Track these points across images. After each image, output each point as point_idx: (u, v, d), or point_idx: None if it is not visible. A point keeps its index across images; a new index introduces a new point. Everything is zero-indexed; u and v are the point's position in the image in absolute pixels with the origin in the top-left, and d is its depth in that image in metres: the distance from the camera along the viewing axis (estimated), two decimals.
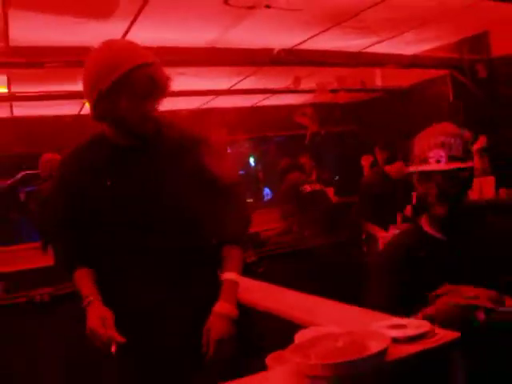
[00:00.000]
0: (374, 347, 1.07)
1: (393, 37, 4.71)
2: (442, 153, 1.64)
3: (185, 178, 1.65)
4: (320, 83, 5.24)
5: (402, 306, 1.55)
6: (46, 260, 4.10)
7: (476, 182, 4.50)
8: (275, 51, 4.11)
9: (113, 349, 1.50)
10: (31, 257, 4.73)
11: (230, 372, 1.61)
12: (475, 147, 4.71)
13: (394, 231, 3.59)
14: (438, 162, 1.64)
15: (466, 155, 1.67)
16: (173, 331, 1.61)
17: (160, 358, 1.63)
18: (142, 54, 1.58)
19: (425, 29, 4.67)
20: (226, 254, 1.73)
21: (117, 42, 1.68)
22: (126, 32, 3.63)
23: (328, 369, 1.01)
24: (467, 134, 1.76)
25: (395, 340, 1.15)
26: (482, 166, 4.73)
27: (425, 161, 1.66)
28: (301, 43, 4.42)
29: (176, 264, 1.64)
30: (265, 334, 1.77)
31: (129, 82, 1.52)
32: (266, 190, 8.08)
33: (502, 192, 4.46)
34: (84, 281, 1.69)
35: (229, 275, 1.69)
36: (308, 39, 4.38)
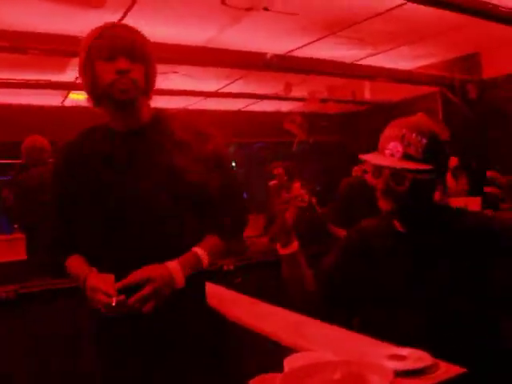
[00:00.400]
0: (375, 382, 0.98)
1: (387, 50, 4.70)
2: (400, 147, 1.48)
3: (180, 171, 1.56)
4: (311, 92, 5.17)
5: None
6: (13, 254, 3.95)
7: (461, 202, 4.47)
8: (268, 56, 4.02)
9: (113, 302, 1.41)
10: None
11: None
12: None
13: None
14: (392, 156, 1.49)
15: (426, 157, 1.48)
16: (146, 326, 1.53)
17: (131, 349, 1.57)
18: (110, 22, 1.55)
19: (418, 45, 4.67)
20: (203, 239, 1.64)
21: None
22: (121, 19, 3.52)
23: None
24: (444, 134, 1.62)
25: (395, 373, 1.06)
26: (458, 187, 4.71)
27: (381, 151, 1.52)
28: (294, 50, 4.37)
29: (153, 259, 1.53)
30: (245, 353, 1.67)
31: (98, 43, 1.50)
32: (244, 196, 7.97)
33: (489, 213, 4.42)
34: (76, 265, 1.62)
35: (196, 248, 1.58)
36: (302, 46, 4.33)
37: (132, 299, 1.43)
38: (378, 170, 1.53)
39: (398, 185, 1.49)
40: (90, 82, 1.54)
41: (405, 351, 1.17)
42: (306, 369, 1.06)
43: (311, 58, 4.35)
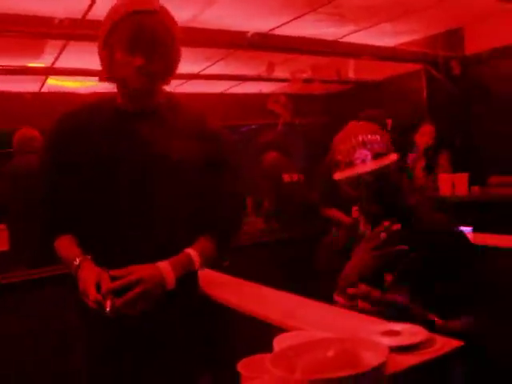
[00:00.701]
0: (370, 359, 0.93)
1: (368, 27, 4.62)
2: (367, 152, 1.58)
3: (184, 161, 1.52)
4: (293, 71, 5.09)
5: None
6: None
7: (448, 178, 4.45)
8: (249, 34, 3.93)
9: (107, 306, 1.35)
10: None
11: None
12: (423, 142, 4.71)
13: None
14: (364, 161, 1.58)
15: (388, 149, 1.62)
16: (136, 323, 1.47)
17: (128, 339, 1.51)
18: (142, 1, 1.45)
19: (400, 21, 4.60)
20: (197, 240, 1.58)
21: None
22: (92, 4, 3.40)
23: None
24: (386, 122, 1.71)
25: (390, 349, 1.01)
26: (441, 164, 4.72)
27: (351, 164, 1.60)
28: (275, 28, 4.27)
29: (156, 247, 1.51)
30: (237, 336, 1.63)
31: (119, 30, 1.43)
32: None
33: (475, 189, 4.42)
34: (68, 246, 1.55)
35: (188, 249, 1.53)
36: (282, 25, 4.23)
37: (121, 301, 1.36)
38: (356, 181, 1.60)
39: (383, 185, 1.59)
40: (107, 64, 1.50)
41: (399, 327, 1.14)
42: (296, 348, 1.01)
43: (293, 36, 4.26)
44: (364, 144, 1.59)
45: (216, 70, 5.44)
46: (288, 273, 3.62)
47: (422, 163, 4.76)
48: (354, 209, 3.71)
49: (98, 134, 1.53)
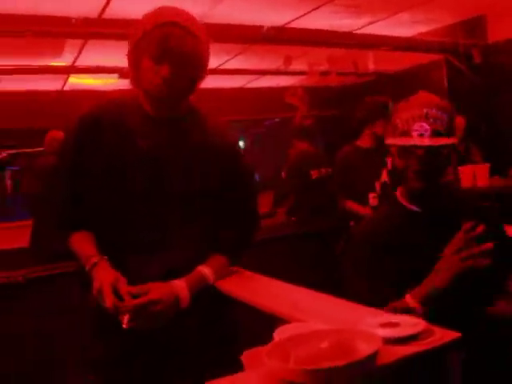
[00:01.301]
0: (363, 349, 0.94)
1: (385, 18, 4.56)
2: (427, 126, 1.51)
3: (200, 172, 1.56)
4: (311, 64, 5.07)
5: (385, 296, 1.47)
6: (21, 241, 4.00)
7: (469, 169, 4.38)
8: (265, 28, 3.93)
9: (124, 322, 1.37)
10: (7, 237, 4.62)
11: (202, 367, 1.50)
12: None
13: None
14: (421, 135, 1.51)
15: (450, 131, 1.55)
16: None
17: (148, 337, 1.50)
18: (172, 13, 1.46)
19: (418, 10, 4.53)
20: (210, 256, 1.61)
21: (165, 5, 1.55)
22: (107, 4, 3.44)
23: (307, 375, 0.87)
24: (451, 107, 1.65)
25: (387, 341, 1.02)
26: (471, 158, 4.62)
27: (407, 134, 1.54)
28: (291, 21, 4.26)
29: (178, 250, 1.54)
30: (244, 328, 1.64)
31: (148, 40, 1.44)
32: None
33: (496, 180, 4.34)
34: (84, 243, 1.56)
35: (202, 267, 1.56)
36: (299, 17, 4.21)
37: (137, 321, 1.38)
38: (408, 151, 1.55)
39: (432, 163, 1.53)
40: (133, 71, 1.51)
41: (398, 318, 1.14)
42: (293, 338, 1.02)
43: (310, 30, 4.24)
44: (427, 117, 1.52)
45: (235, 64, 5.46)
46: (304, 266, 3.63)
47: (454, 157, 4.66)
48: (372, 195, 3.70)
49: (118, 135, 1.54)
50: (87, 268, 1.49)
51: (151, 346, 1.52)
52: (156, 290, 1.43)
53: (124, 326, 1.37)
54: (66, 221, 1.64)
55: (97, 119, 1.56)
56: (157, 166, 1.54)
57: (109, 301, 1.37)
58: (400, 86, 5.92)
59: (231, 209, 1.62)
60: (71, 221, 1.62)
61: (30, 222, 4.05)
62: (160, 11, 1.48)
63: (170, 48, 1.43)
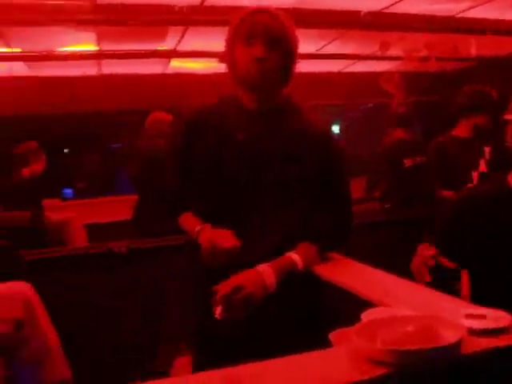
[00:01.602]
0: (448, 337, 0.99)
1: (488, 1, 4.33)
2: None
3: (298, 160, 1.65)
4: (407, 50, 4.95)
5: None
6: (126, 214, 4.29)
7: None
8: (362, 13, 3.91)
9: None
10: (114, 210, 4.97)
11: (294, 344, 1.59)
12: None
13: None
14: None
15: None
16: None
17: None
18: (264, 5, 1.65)
19: None
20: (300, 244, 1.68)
21: None
22: None
23: (394, 356, 0.94)
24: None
25: (471, 331, 1.07)
26: None
27: None
28: (390, 6, 4.18)
29: (271, 241, 1.64)
30: (338, 310, 1.71)
31: (242, 26, 1.61)
32: None
33: None
34: (190, 219, 1.75)
35: (291, 253, 1.63)
36: (396, 2, 4.12)
37: (228, 311, 1.45)
38: None
39: None
40: (230, 66, 1.65)
41: (484, 311, 1.17)
42: (380, 321, 1.09)
43: (408, 14, 4.16)
44: None
45: (332, 49, 5.45)
46: (395, 254, 3.61)
47: None
48: (475, 174, 3.60)
49: (219, 133, 1.69)
50: (194, 236, 1.66)
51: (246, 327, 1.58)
52: (238, 276, 1.51)
53: (217, 316, 1.45)
54: (175, 210, 1.84)
55: (200, 123, 1.74)
56: (254, 157, 1.66)
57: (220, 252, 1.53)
58: (504, 71, 5.63)
59: (326, 194, 1.69)
60: (180, 209, 1.81)
61: (133, 197, 4.32)
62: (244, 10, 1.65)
63: (260, 29, 1.58)
